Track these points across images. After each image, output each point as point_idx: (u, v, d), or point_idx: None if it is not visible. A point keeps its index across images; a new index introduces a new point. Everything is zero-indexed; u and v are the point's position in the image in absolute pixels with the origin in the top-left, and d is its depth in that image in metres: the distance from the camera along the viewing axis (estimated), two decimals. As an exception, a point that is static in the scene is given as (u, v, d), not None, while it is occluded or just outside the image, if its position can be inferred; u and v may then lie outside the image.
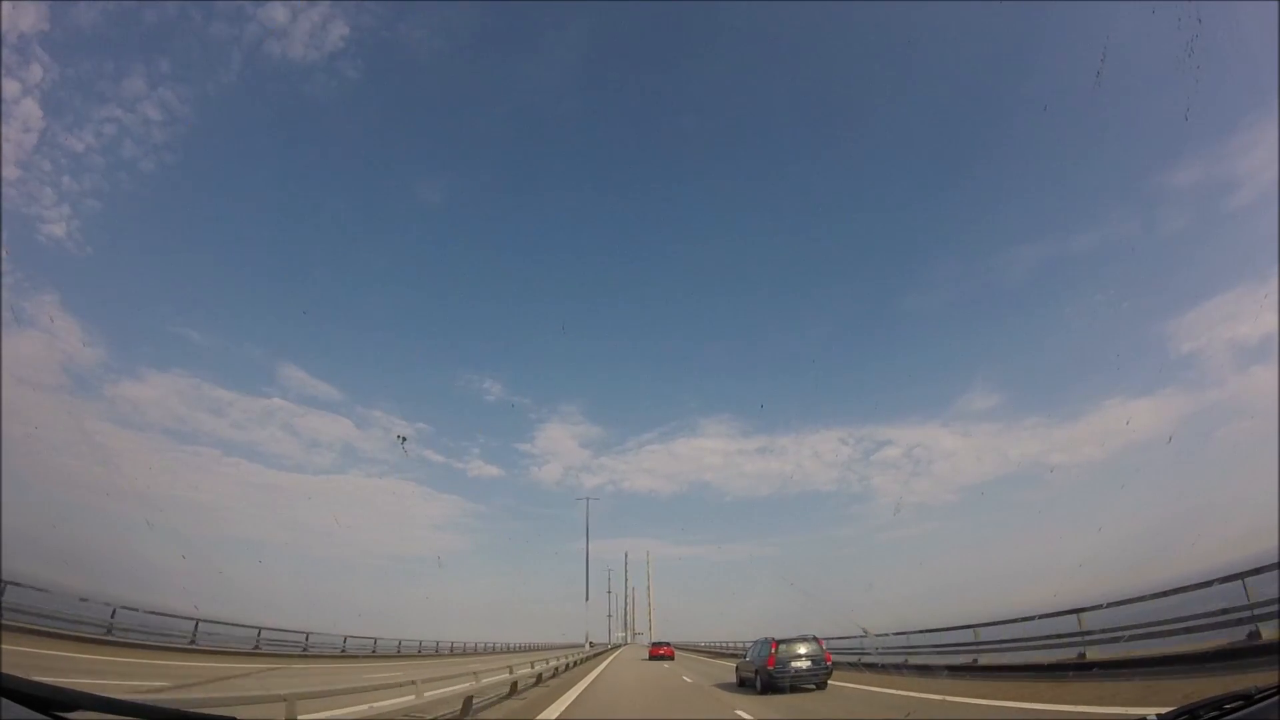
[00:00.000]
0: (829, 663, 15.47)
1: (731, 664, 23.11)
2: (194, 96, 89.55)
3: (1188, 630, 10.87)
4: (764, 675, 15.22)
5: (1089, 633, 12.76)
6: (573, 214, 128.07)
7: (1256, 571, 9.80)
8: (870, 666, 19.38)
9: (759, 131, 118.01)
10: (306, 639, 28.79)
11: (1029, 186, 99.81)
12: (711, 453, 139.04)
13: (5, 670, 2.01)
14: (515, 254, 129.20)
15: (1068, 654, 12.97)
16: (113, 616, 19.51)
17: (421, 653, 39.26)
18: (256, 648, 25.27)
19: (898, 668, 18.34)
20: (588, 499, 50.79)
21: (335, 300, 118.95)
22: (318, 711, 7.66)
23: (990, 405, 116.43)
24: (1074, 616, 13.23)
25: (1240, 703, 2.27)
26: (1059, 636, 13.51)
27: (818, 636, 15.85)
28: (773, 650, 15.25)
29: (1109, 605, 12.62)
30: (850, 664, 19.81)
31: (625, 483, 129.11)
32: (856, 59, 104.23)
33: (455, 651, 43.88)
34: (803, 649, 15.26)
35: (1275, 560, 9.32)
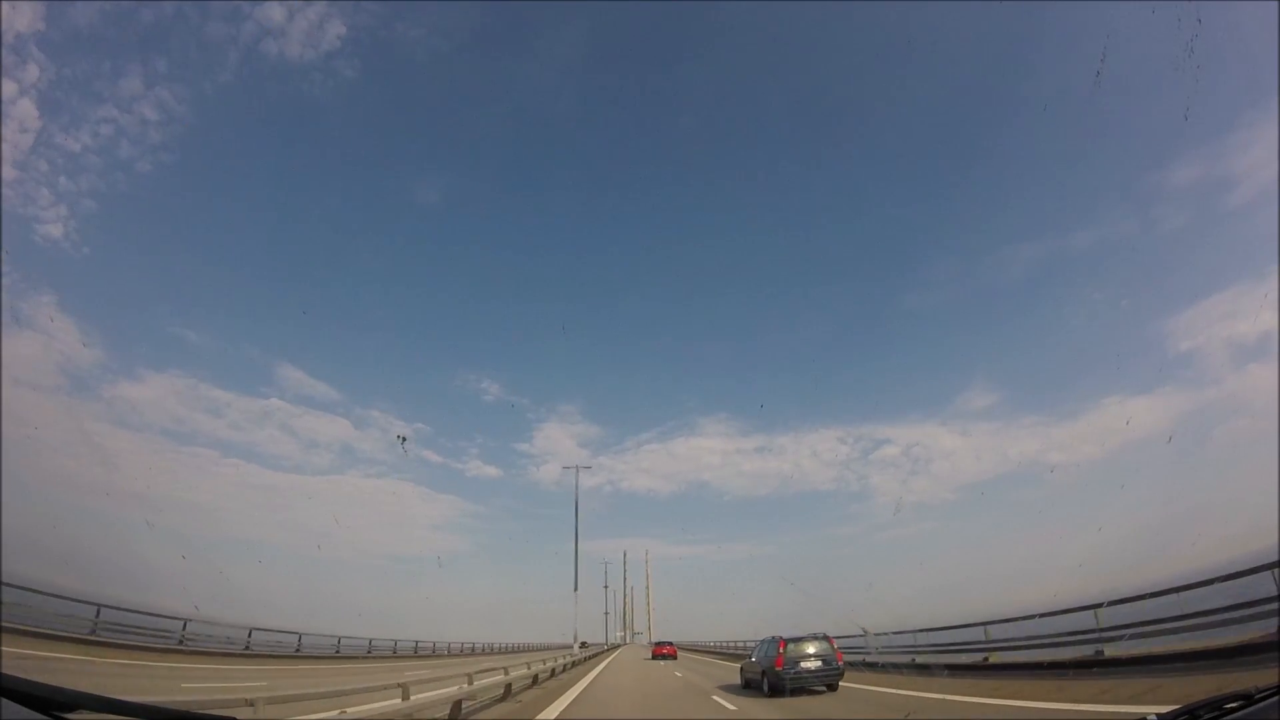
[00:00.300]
0: (840, 663, 14.64)
1: (735, 665, 22.94)
2: (191, 96, 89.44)
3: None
4: (771, 676, 14.53)
5: (1088, 631, 12.79)
6: (571, 213, 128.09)
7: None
8: (871, 666, 19.38)
9: (758, 130, 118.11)
10: (184, 627, 22.45)
11: (1028, 185, 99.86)
12: (710, 452, 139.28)
13: (5, 670, 2.01)
14: (513, 253, 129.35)
15: (1067, 653, 12.99)
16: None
17: (371, 654, 34.08)
18: (93, 633, 20.20)
19: (898, 667, 18.34)
20: (577, 467, 48.24)
21: (333, 300, 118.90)
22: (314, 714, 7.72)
23: (989, 404, 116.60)
24: (1072, 615, 13.28)
25: (1240, 703, 2.26)
26: (1057, 635, 13.54)
27: (829, 635, 15.21)
28: (780, 650, 14.53)
29: (1110, 603, 12.64)
30: (851, 663, 19.79)
31: (624, 482, 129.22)
32: (856, 58, 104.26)
33: (411, 654, 38.38)
34: (812, 648, 14.50)
35: (1273, 561, 9.32)
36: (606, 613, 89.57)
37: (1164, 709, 2.65)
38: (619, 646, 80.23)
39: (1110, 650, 11.82)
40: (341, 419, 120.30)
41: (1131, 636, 11.61)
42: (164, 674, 15.86)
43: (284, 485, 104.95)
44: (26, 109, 72.40)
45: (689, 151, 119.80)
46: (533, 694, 16.02)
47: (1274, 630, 9.00)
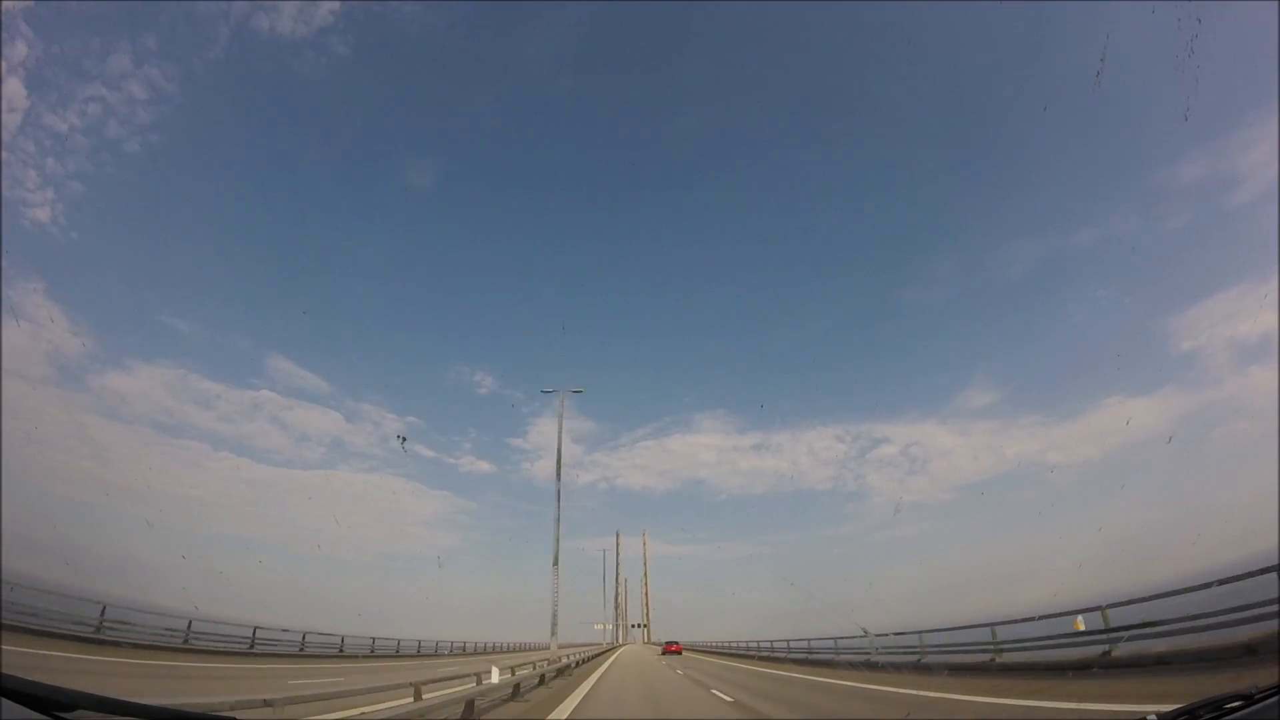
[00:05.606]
0: None
1: (754, 668, 21.26)
2: (180, 74, 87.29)
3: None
4: None
5: (1089, 633, 12.78)
6: (568, 204, 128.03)
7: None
8: (872, 666, 19.37)
9: (759, 126, 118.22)
10: (190, 627, 21.09)
11: (1030, 183, 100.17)
12: (706, 449, 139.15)
13: (5, 670, 2.01)
14: (508, 243, 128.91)
15: (1069, 653, 13.00)
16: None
17: (375, 653, 31.78)
18: (98, 631, 18.70)
19: (898, 667, 18.34)
20: (562, 393, 39.29)
21: (323, 289, 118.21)
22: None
23: (988, 402, 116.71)
24: (1073, 616, 13.29)
25: (1240, 703, 2.26)
26: (1056, 636, 13.52)
27: None
28: None
29: (1111, 605, 12.63)
30: (853, 664, 19.74)
31: (619, 479, 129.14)
32: (858, 57, 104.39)
33: (414, 653, 35.42)
34: None
35: (1274, 563, 9.30)
36: (604, 612, 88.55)
37: (1164, 709, 2.65)
38: (617, 648, 68.74)
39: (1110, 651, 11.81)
40: (333, 411, 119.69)
41: (1130, 638, 11.60)
42: (185, 674, 15.48)
43: (276, 480, 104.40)
44: (14, 88, 70.39)
45: (688, 144, 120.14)
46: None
47: (1274, 631, 9.00)
